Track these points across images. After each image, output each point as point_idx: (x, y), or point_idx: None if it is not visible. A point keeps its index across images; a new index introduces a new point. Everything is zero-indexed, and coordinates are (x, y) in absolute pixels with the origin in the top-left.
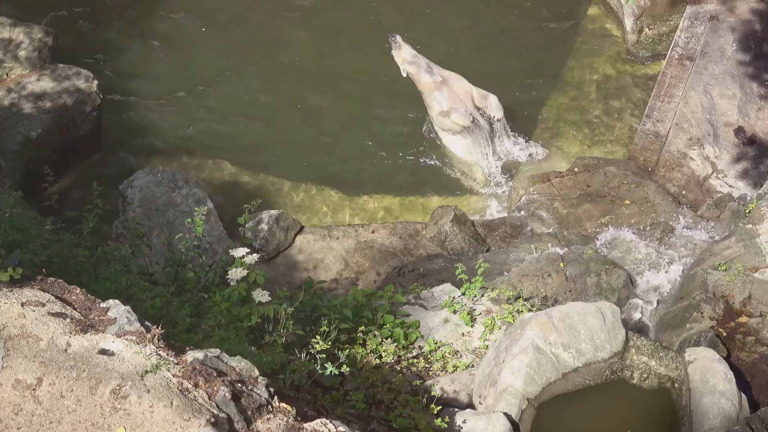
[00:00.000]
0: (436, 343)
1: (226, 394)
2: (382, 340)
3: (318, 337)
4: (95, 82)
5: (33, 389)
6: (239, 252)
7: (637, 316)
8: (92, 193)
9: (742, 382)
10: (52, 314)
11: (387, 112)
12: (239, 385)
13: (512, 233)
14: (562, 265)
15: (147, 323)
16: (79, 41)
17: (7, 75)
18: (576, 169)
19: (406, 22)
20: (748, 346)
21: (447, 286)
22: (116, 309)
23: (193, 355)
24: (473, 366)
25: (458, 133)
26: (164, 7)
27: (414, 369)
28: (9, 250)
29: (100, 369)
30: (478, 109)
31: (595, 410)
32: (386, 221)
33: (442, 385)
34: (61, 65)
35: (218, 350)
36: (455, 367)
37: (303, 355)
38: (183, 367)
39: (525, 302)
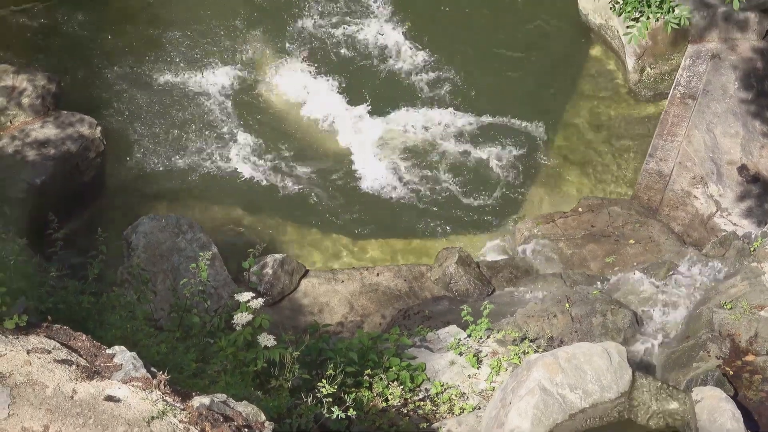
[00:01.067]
0: (442, 386)
1: None
2: (389, 383)
3: (324, 380)
4: (99, 128)
5: None
6: (244, 296)
7: (643, 355)
8: (97, 239)
9: (750, 421)
10: (58, 361)
11: (389, 155)
12: (246, 430)
13: (517, 274)
14: (567, 305)
15: (153, 369)
16: (83, 88)
17: (10, 122)
18: (580, 209)
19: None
20: (755, 384)
21: (453, 328)
22: (122, 355)
23: (199, 401)
24: (480, 408)
25: None
26: (165, 54)
27: (421, 412)
28: (14, 298)
29: (107, 416)
30: None
31: None
32: (391, 264)
33: (449, 427)
34: (65, 112)
35: (224, 395)
36: (462, 410)
37: (309, 399)
38: (189, 413)
39: (531, 343)
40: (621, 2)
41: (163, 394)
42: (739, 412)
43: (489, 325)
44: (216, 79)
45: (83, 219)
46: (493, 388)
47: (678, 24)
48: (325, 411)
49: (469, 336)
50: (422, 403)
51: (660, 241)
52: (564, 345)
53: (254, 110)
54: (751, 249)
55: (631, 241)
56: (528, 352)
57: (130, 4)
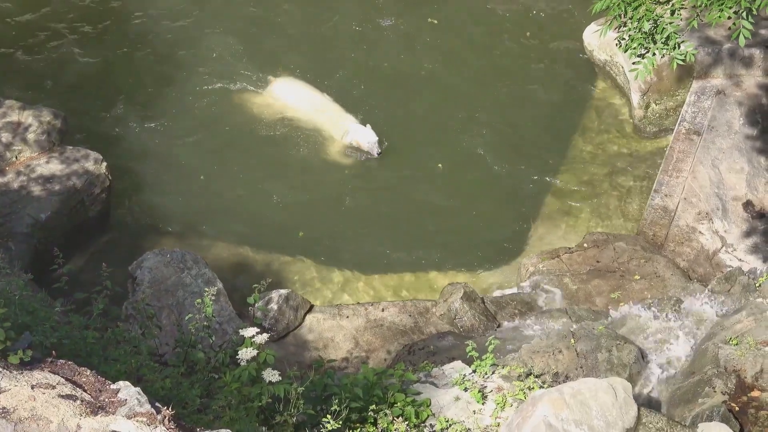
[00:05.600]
0: (447, 421)
1: None
2: (393, 419)
3: (329, 416)
4: (104, 163)
5: None
6: (249, 332)
7: (648, 391)
8: (102, 275)
9: None
10: (63, 396)
11: (394, 191)
12: None
13: (522, 310)
14: (572, 341)
15: (157, 404)
16: (88, 123)
17: (16, 158)
18: (585, 245)
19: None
20: (761, 420)
21: (458, 364)
22: (126, 390)
23: None
24: None
25: None
26: (172, 90)
27: None
28: (19, 333)
29: None
30: None
31: None
32: (396, 299)
33: None
34: (70, 147)
35: (229, 430)
36: None
37: None
38: None
39: (536, 379)
40: (626, 39)
41: (167, 429)
42: None
43: (494, 360)
44: (223, 116)
45: (88, 254)
46: (498, 423)
47: (683, 60)
48: None
49: (474, 371)
50: None
51: (665, 276)
52: (569, 381)
53: (261, 146)
54: (757, 284)
55: (637, 277)
56: (533, 388)
57: (138, 41)
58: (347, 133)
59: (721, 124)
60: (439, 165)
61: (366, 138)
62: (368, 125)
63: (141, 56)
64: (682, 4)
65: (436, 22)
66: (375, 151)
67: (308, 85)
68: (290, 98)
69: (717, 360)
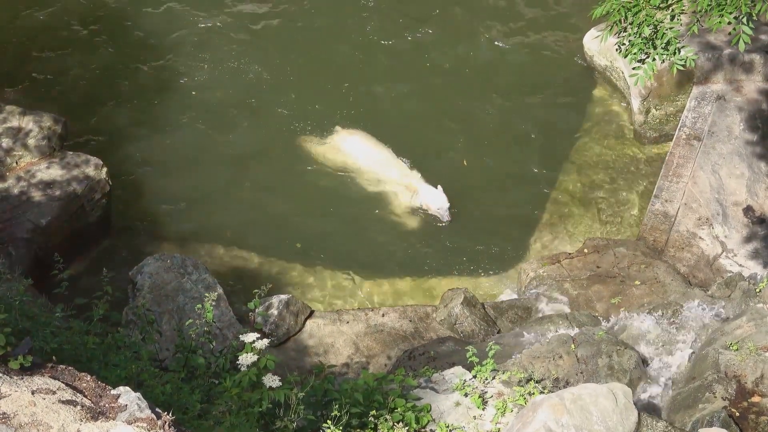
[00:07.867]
0: (447, 427)
1: None
2: (394, 424)
3: (329, 421)
4: (104, 169)
5: None
6: (249, 337)
7: (649, 397)
8: (102, 280)
9: None
10: (63, 402)
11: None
12: None
13: (522, 315)
14: (573, 346)
15: (158, 410)
16: (89, 128)
17: (16, 163)
18: (585, 250)
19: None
20: (762, 426)
21: (458, 369)
22: (127, 396)
23: None
24: None
25: None
26: (175, 97)
27: None
28: (19, 338)
29: None
30: None
31: None
32: (396, 304)
33: None
34: (71, 153)
35: None
36: None
37: None
38: None
39: (536, 384)
40: (627, 44)
41: None
42: None
43: (494, 365)
44: (223, 120)
45: (89, 259)
46: (499, 429)
47: (684, 65)
48: None
49: (475, 377)
50: None
51: (666, 281)
52: (569, 386)
53: (262, 151)
54: (757, 290)
55: (637, 282)
56: (533, 393)
57: (140, 47)
58: (416, 194)
59: (721, 129)
60: (464, 161)
61: (437, 203)
62: (439, 187)
63: (143, 62)
64: (682, 10)
65: (430, 31)
66: (445, 217)
67: (376, 142)
68: (356, 152)
69: (717, 365)
